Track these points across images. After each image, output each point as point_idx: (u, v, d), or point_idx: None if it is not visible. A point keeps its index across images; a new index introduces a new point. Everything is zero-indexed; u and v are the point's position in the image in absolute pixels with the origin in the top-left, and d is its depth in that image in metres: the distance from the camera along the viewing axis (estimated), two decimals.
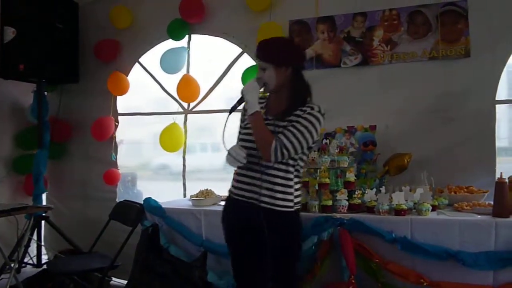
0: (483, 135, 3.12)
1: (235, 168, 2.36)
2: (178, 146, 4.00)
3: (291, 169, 2.24)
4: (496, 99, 3.13)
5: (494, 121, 3.12)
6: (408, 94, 3.32)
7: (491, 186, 2.63)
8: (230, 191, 2.42)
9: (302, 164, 2.33)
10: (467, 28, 3.20)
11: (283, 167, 2.23)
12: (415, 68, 3.32)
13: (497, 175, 2.58)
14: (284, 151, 2.13)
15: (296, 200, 2.30)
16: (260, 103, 2.30)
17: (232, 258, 2.37)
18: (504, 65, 3.12)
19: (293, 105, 2.23)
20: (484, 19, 3.16)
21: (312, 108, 2.23)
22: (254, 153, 2.23)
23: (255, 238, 2.22)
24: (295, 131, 2.16)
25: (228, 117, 2.23)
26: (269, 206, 2.22)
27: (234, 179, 2.38)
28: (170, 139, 3.97)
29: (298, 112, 2.22)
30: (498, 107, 3.14)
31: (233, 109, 2.26)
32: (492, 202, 2.55)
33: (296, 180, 2.29)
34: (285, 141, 2.14)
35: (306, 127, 2.18)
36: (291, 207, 2.26)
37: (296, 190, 2.30)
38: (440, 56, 3.26)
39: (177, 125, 3.99)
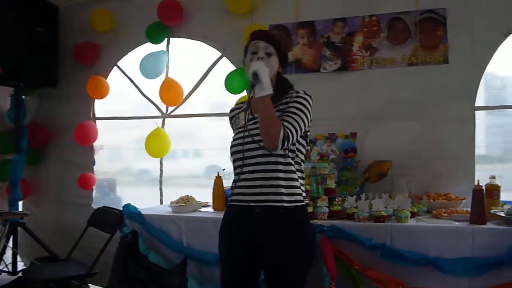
0: (462, 142, 3.14)
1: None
2: (165, 151, 3.93)
3: (291, 161, 2.09)
4: (476, 105, 3.17)
5: (473, 128, 3.15)
6: (387, 100, 3.33)
7: (469, 194, 2.64)
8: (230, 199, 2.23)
9: (302, 157, 2.17)
10: (445, 35, 3.24)
11: (281, 159, 2.06)
12: (395, 74, 3.34)
13: (476, 183, 2.60)
14: (290, 135, 1.99)
15: (304, 194, 2.14)
16: (241, 107, 2.25)
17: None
18: (483, 71, 3.15)
19: (278, 95, 2.09)
20: (463, 27, 3.20)
21: (298, 92, 2.13)
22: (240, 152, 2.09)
23: (249, 253, 2.08)
24: (292, 114, 2.04)
25: (247, 112, 2.04)
26: (275, 204, 2.04)
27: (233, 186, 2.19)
28: (156, 145, 3.90)
29: (285, 100, 2.11)
30: (478, 113, 3.18)
31: (250, 97, 2.06)
32: (469, 209, 2.58)
33: (299, 174, 2.14)
34: (287, 125, 1.99)
35: (301, 110, 2.06)
36: (301, 200, 2.10)
37: (302, 185, 2.15)
38: (419, 62, 3.29)
39: (161, 129, 3.96)
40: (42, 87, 4.28)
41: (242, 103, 2.30)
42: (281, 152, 2.04)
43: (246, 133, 2.04)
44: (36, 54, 3.90)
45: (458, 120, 3.17)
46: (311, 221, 2.54)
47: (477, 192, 2.51)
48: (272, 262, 2.06)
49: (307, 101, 2.11)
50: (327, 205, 2.76)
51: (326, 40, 3.53)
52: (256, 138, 2.02)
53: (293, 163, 2.10)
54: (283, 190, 2.04)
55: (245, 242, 2.09)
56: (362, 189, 3.01)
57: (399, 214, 2.58)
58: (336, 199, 2.83)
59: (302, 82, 3.43)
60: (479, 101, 3.19)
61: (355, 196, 2.82)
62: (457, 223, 2.50)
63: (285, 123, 2.00)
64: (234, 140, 2.19)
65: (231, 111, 2.36)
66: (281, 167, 2.06)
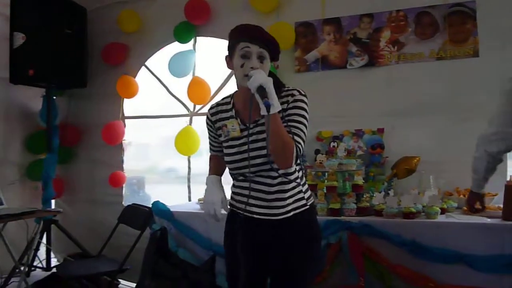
0: None
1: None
2: (195, 149, 3.98)
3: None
4: None
5: None
6: (415, 95, 3.28)
7: (501, 189, 2.59)
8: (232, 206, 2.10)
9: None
10: (475, 29, 3.19)
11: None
12: (423, 69, 3.30)
13: (508, 178, 2.54)
14: (301, 149, 1.84)
15: (307, 195, 2.01)
16: (223, 109, 2.04)
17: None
18: None
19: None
20: (493, 19, 3.13)
21: (294, 93, 1.92)
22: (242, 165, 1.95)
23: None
24: (297, 124, 1.87)
25: (268, 121, 1.76)
26: (282, 217, 1.94)
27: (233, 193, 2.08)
28: (186, 142, 3.95)
29: (281, 100, 1.86)
30: None
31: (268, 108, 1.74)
32: (501, 205, 2.53)
33: (300, 173, 2.00)
34: (297, 139, 1.83)
35: (303, 116, 1.90)
36: (305, 204, 1.98)
37: (305, 183, 2.04)
38: (448, 56, 3.25)
39: (191, 127, 4.00)
40: (72, 87, 4.37)
41: (223, 103, 2.07)
42: None
43: (247, 146, 1.89)
44: (65, 55, 3.99)
45: (489, 114, 3.08)
46: (338, 218, 2.55)
47: (510, 188, 2.46)
48: (280, 268, 1.97)
49: (306, 103, 1.93)
50: (355, 201, 2.74)
51: (352, 36, 3.51)
52: (256, 154, 1.90)
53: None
54: (289, 201, 1.94)
55: (252, 251, 1.99)
56: (390, 185, 2.99)
57: (429, 210, 2.55)
58: (364, 196, 2.81)
59: (329, 79, 3.49)
60: None
61: (383, 193, 2.80)
62: (488, 220, 2.45)
63: (295, 137, 1.82)
64: (231, 154, 1.99)
65: (211, 109, 2.09)
66: (284, 185, 1.94)
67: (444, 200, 2.76)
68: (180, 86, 4.10)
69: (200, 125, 4.04)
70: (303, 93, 1.94)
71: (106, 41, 4.27)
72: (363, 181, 2.87)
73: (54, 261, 4.27)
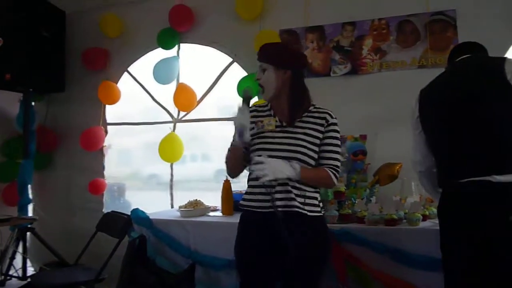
0: None
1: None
2: (178, 156, 3.94)
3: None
4: None
5: None
6: (398, 102, 3.23)
7: None
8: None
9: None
10: (456, 37, 3.22)
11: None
12: (405, 77, 3.31)
13: None
14: (339, 170, 2.13)
15: (321, 204, 2.19)
16: (261, 110, 2.23)
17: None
18: None
19: (295, 109, 2.13)
20: (473, 28, 3.15)
21: (330, 118, 2.14)
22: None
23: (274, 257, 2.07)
24: (334, 149, 2.12)
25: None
26: (299, 210, 2.04)
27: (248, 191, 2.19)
28: (170, 149, 3.90)
29: (316, 121, 2.12)
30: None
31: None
32: None
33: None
34: (334, 163, 2.11)
35: (338, 145, 2.15)
36: (320, 211, 2.15)
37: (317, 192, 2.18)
38: (429, 64, 3.28)
39: (175, 134, 3.96)
40: (50, 92, 4.30)
41: (261, 106, 2.27)
42: (312, 162, 2.08)
43: (275, 145, 2.09)
44: (43, 59, 3.93)
45: None
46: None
47: None
48: (294, 268, 2.04)
49: (338, 127, 2.16)
50: (337, 208, 2.72)
51: (335, 44, 3.53)
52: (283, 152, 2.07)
53: None
54: (308, 201, 2.07)
55: (270, 247, 2.07)
56: (372, 192, 2.97)
57: (411, 217, 2.54)
58: (346, 203, 2.79)
59: (312, 87, 3.42)
60: None
61: (365, 199, 2.78)
62: None
63: (331, 162, 2.10)
64: (261, 146, 2.12)
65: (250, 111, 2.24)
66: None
67: (425, 206, 2.75)
68: (163, 92, 4.08)
69: (185, 132, 4.02)
70: (334, 116, 2.16)
71: (86, 46, 4.22)
72: (345, 187, 2.85)
73: (30, 270, 4.16)
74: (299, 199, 2.04)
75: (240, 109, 2.04)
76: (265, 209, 2.06)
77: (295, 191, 2.04)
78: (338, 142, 2.16)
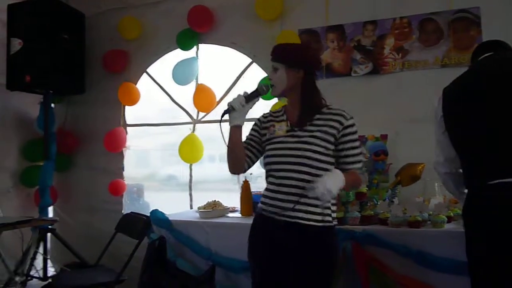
0: None
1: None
2: (199, 157, 3.93)
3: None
4: None
5: None
6: (420, 102, 3.19)
7: None
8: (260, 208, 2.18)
9: None
10: (480, 35, 3.14)
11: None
12: (427, 76, 3.25)
13: None
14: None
15: (333, 214, 2.11)
16: (276, 116, 2.22)
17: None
18: None
19: (306, 111, 2.12)
20: (498, 26, 3.08)
21: (345, 119, 2.08)
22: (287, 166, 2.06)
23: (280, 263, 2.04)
24: (356, 151, 2.10)
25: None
26: (306, 222, 2.01)
27: (264, 195, 2.16)
28: (190, 150, 3.90)
29: (328, 123, 2.06)
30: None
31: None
32: None
33: None
34: (359, 166, 2.12)
35: (358, 146, 2.13)
36: (330, 221, 2.07)
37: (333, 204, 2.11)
38: (452, 63, 3.20)
39: (195, 135, 3.95)
40: (70, 94, 4.33)
41: (276, 112, 2.26)
42: (320, 165, 2.02)
43: (284, 151, 2.08)
44: (63, 61, 3.94)
45: None
46: (342, 227, 2.49)
47: None
48: (299, 280, 2.00)
49: (355, 127, 2.12)
50: (359, 210, 2.68)
51: (356, 43, 3.47)
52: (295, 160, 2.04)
53: None
54: (319, 210, 2.02)
55: (278, 255, 2.04)
56: (394, 192, 2.91)
57: (435, 219, 2.48)
58: (368, 204, 2.74)
59: (333, 87, 3.42)
60: None
61: (387, 200, 2.73)
62: None
63: (356, 165, 2.09)
64: (275, 149, 2.11)
65: (266, 113, 2.30)
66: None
67: (450, 208, 2.69)
68: (182, 93, 4.07)
69: (203, 133, 4.01)
70: (349, 116, 2.11)
71: (106, 48, 4.23)
72: (367, 188, 2.80)
73: (51, 271, 4.19)
74: (311, 209, 2.00)
75: (239, 96, 2.09)
76: (279, 217, 2.03)
77: (309, 201, 1.99)
78: (358, 143, 2.12)
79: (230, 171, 2.23)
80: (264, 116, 2.27)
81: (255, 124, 2.28)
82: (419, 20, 3.31)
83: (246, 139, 2.25)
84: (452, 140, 2.15)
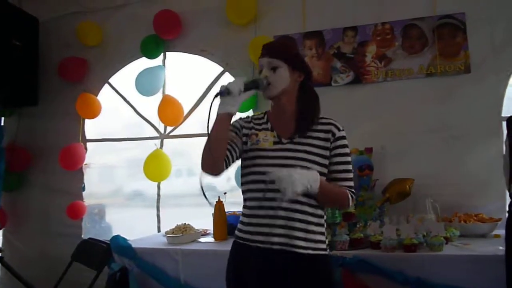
0: (489, 155, 2.87)
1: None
2: (166, 175, 3.62)
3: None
4: (502, 115, 2.90)
5: (501, 140, 2.85)
6: (405, 113, 3.10)
7: (502, 212, 2.42)
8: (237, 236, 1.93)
9: None
10: (465, 42, 3.02)
11: (313, 201, 1.81)
12: (412, 86, 3.11)
13: (508, 199, 2.27)
14: (353, 192, 1.87)
15: (327, 240, 1.90)
16: (257, 123, 1.94)
17: None
18: (509, 79, 2.94)
19: (307, 121, 1.87)
20: (485, 32, 3.00)
21: (337, 130, 1.87)
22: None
23: None
24: (347, 167, 1.87)
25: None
26: (301, 251, 1.78)
27: (243, 221, 1.90)
28: (156, 168, 3.60)
29: (319, 135, 1.84)
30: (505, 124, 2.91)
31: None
32: None
33: (324, 218, 1.90)
34: (350, 184, 1.86)
35: (350, 161, 1.90)
36: (325, 249, 1.86)
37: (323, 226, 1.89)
38: (438, 72, 3.06)
39: (161, 151, 3.67)
40: (21, 105, 3.97)
41: (257, 118, 1.99)
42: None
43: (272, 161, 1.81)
44: (14, 70, 3.62)
45: (484, 133, 2.94)
46: (330, 253, 2.22)
47: None
48: None
49: (346, 140, 1.90)
50: (347, 232, 2.42)
51: (336, 51, 3.28)
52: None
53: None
54: (310, 236, 1.80)
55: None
56: (382, 211, 2.72)
57: (432, 241, 2.24)
58: (357, 225, 2.49)
59: None
60: (506, 111, 2.92)
61: (378, 221, 2.49)
62: (501, 248, 2.12)
63: (347, 183, 1.85)
64: (257, 164, 1.84)
65: (246, 117, 2.01)
66: (308, 209, 1.81)
67: (446, 227, 2.46)
68: (148, 105, 3.78)
69: (171, 148, 3.73)
70: (341, 127, 1.89)
71: (63, 55, 3.91)
72: (354, 208, 2.56)
73: None
74: (301, 234, 1.77)
75: (239, 79, 1.80)
76: (263, 244, 1.78)
77: (297, 224, 1.76)
78: (349, 159, 1.89)
79: (206, 170, 1.81)
80: (245, 120, 1.97)
81: (233, 126, 1.93)
82: (402, 26, 3.16)
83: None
84: None
